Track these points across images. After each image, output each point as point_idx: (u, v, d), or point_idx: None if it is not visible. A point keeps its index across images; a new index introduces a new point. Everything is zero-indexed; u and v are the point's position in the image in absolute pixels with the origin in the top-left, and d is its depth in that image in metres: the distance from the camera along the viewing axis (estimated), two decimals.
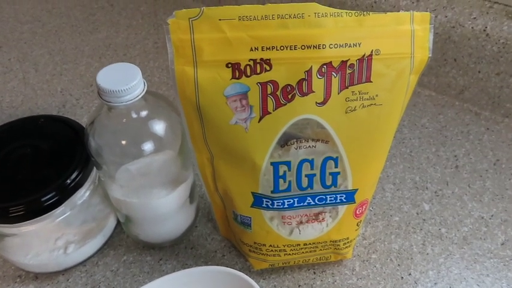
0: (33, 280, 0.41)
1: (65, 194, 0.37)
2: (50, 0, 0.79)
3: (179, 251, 0.43)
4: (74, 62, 0.66)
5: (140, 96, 0.32)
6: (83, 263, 0.41)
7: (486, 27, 0.50)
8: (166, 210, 0.39)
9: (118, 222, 0.44)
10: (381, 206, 0.47)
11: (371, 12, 0.32)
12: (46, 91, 0.61)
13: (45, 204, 0.36)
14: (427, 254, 0.42)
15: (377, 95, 0.34)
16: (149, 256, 0.43)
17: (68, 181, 0.36)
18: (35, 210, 0.36)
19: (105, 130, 0.35)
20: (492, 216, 0.45)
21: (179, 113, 0.35)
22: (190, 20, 0.32)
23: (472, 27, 0.51)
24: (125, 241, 0.44)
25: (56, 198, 0.36)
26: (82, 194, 0.38)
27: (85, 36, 0.70)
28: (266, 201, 0.36)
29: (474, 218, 0.45)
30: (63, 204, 0.37)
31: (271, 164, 0.35)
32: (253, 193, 0.36)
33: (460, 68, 0.54)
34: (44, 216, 0.37)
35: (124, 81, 0.31)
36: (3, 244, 0.38)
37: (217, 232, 0.44)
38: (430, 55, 0.34)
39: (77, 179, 0.37)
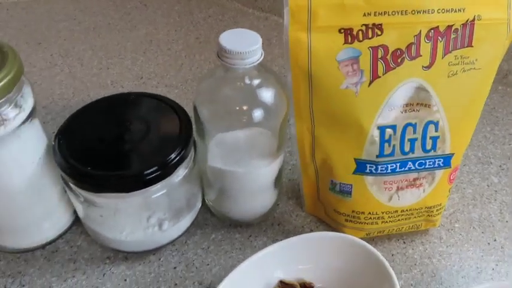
0: (123, 261, 0.40)
1: (166, 170, 0.36)
2: (82, 0, 0.79)
3: (267, 228, 0.43)
4: (119, 57, 0.65)
5: (260, 60, 0.33)
6: (172, 242, 0.41)
7: None
8: (263, 181, 0.39)
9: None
10: None
11: None
12: (96, 84, 0.60)
13: (147, 178, 0.35)
14: (506, 221, 0.44)
15: (476, 60, 0.35)
16: (237, 233, 0.42)
17: (172, 156, 0.36)
18: (137, 183, 0.35)
19: (218, 95, 0.35)
20: None
21: (285, 87, 0.36)
22: None
23: None
24: (210, 220, 0.43)
25: (158, 173, 0.35)
26: (180, 173, 0.38)
27: (124, 33, 0.70)
28: (370, 167, 0.37)
29: None
30: (163, 181, 0.36)
31: (378, 128, 0.36)
32: (356, 159, 0.37)
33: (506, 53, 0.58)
34: (143, 190, 0.36)
35: (247, 44, 0.32)
36: (102, 220, 0.37)
37: (301, 209, 0.44)
38: None
39: (178, 157, 0.36)
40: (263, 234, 0.42)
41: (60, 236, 0.41)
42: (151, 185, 0.36)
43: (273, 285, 0.36)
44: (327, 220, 0.43)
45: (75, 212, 0.42)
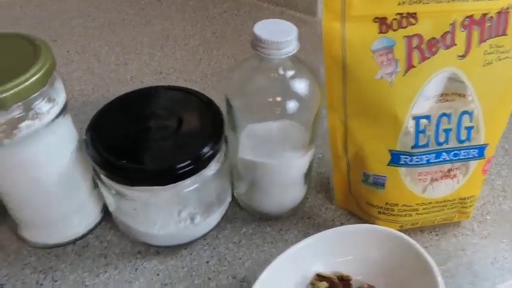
0: (155, 255, 0.39)
1: (199, 164, 0.35)
2: None
3: (297, 221, 0.42)
4: (136, 53, 0.65)
5: (295, 51, 0.32)
6: (204, 236, 0.40)
7: None
8: (295, 174, 0.39)
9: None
10: None
11: None
12: (115, 79, 0.60)
13: (181, 171, 0.35)
14: None
15: (511, 48, 0.35)
16: (268, 227, 0.42)
17: (206, 150, 0.35)
18: (171, 176, 0.35)
19: (251, 86, 0.35)
20: None
21: (318, 79, 0.36)
22: None
23: None
24: (239, 214, 0.43)
25: (191, 167, 0.35)
26: (213, 167, 0.37)
27: (140, 29, 0.70)
28: (404, 158, 0.37)
29: None
30: (196, 175, 0.36)
31: (413, 118, 0.36)
32: (390, 151, 0.37)
33: None
34: (176, 184, 0.36)
35: (282, 34, 0.32)
36: (135, 213, 0.37)
37: (330, 202, 0.44)
38: None
39: (212, 151, 0.36)
40: (294, 227, 0.42)
41: (90, 232, 0.41)
42: (184, 178, 0.35)
43: (309, 278, 0.35)
44: (359, 213, 0.42)
45: (103, 208, 0.42)
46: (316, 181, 0.46)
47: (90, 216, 0.40)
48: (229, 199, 0.42)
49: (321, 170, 0.47)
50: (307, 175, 0.41)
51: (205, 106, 0.39)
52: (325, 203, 0.44)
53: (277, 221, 0.42)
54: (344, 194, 0.42)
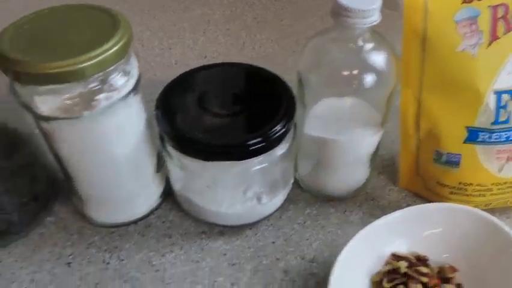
0: (220, 235, 0.39)
1: (271, 142, 0.34)
2: None
3: (361, 203, 0.41)
4: (179, 37, 0.64)
5: (378, 21, 0.31)
6: (268, 217, 0.40)
7: None
8: (363, 152, 0.38)
9: None
10: None
11: None
12: (160, 64, 0.59)
13: (253, 148, 0.34)
14: None
15: None
16: (332, 208, 0.41)
17: (278, 128, 0.34)
18: (243, 152, 0.34)
19: (327, 58, 0.34)
20: None
21: (395, 53, 0.34)
22: None
23: None
24: (302, 196, 0.42)
25: (263, 144, 0.34)
26: (282, 147, 0.36)
27: (179, 14, 0.69)
28: (483, 135, 0.35)
29: None
30: (266, 153, 0.35)
31: (495, 93, 0.34)
32: (468, 127, 0.35)
33: None
34: (246, 161, 0.35)
35: (366, 2, 0.30)
36: (204, 191, 0.36)
37: (393, 184, 0.43)
38: None
39: (284, 129, 0.35)
40: (358, 209, 0.41)
41: (151, 212, 0.40)
42: (256, 155, 0.34)
43: (385, 258, 0.34)
44: (426, 194, 0.41)
45: (164, 190, 0.41)
46: (378, 163, 0.44)
47: (153, 197, 0.40)
48: (292, 180, 0.41)
49: (381, 152, 0.45)
50: (374, 155, 0.40)
51: (275, 83, 0.38)
52: (388, 184, 0.43)
53: (341, 202, 0.41)
54: (410, 174, 0.41)
